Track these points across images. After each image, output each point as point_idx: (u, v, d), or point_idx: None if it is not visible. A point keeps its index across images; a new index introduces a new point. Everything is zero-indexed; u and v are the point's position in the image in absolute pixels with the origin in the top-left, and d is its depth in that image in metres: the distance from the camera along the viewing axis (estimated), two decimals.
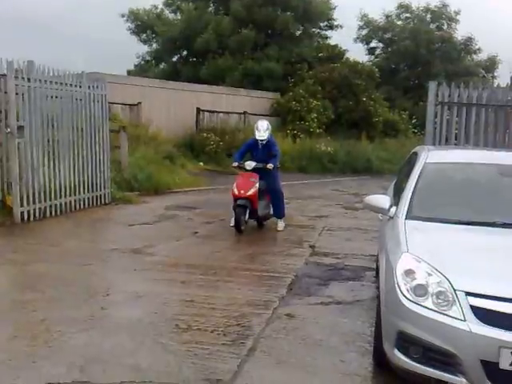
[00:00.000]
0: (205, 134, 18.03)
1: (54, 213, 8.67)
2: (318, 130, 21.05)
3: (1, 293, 5.14)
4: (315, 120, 21.22)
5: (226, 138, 18.22)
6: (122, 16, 27.54)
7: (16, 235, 7.50)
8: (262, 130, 8.05)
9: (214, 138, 17.90)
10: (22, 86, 8.12)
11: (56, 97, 8.95)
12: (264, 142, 8.07)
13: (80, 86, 9.46)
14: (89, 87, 9.71)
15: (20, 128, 8.01)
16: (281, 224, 8.37)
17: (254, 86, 22.94)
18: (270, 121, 23.68)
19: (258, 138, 8.03)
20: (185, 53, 27.25)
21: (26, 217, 8.12)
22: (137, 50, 29.74)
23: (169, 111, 18.57)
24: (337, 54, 24.87)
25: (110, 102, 15.13)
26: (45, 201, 8.47)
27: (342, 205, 11.25)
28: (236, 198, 7.83)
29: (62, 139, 8.95)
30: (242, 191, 7.76)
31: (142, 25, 27.70)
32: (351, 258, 6.77)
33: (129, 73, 28.60)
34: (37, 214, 8.35)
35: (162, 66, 28.01)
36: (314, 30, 27.18)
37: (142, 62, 29.01)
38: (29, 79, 8.28)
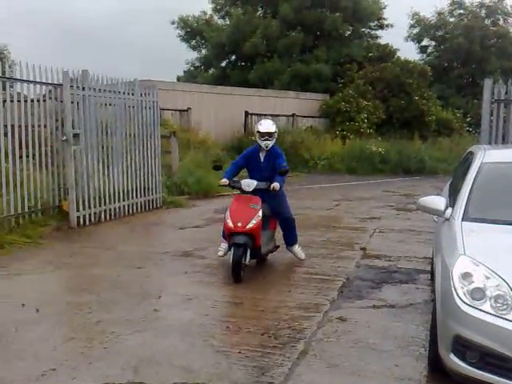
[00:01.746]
0: (253, 137, 18.04)
1: (108, 217, 8.90)
2: (368, 131, 20.78)
3: (58, 295, 5.32)
4: (365, 120, 20.97)
5: None
6: (172, 23, 28.11)
7: (72, 239, 7.73)
8: (266, 124, 6.14)
9: None
10: (77, 95, 8.39)
11: (109, 104, 9.20)
12: (269, 146, 6.09)
13: (132, 94, 9.69)
14: (141, 95, 9.93)
15: (75, 135, 8.26)
16: (300, 250, 6.57)
17: (303, 88, 22.91)
18: (318, 122, 23.51)
19: (262, 130, 6.02)
20: (233, 57, 27.52)
21: (81, 221, 8.37)
22: (186, 56, 30.26)
23: (217, 115, 18.78)
24: (387, 54, 24.52)
25: (160, 109, 15.51)
26: (99, 205, 8.71)
27: (394, 206, 11.04)
28: (231, 234, 5.70)
29: (115, 146, 9.19)
30: (240, 223, 5.62)
31: (191, 31, 28.16)
32: (404, 261, 6.63)
33: (178, 79, 29.16)
34: (92, 219, 8.59)
35: (211, 71, 28.36)
36: (363, 30, 26.91)
37: (192, 68, 29.50)
38: (83, 88, 8.54)
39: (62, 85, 8.23)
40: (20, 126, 7.62)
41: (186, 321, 4.58)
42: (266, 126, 6.11)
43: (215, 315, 4.76)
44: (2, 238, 6.77)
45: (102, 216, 8.80)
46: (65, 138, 8.15)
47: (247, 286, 5.60)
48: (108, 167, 9.00)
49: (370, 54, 24.31)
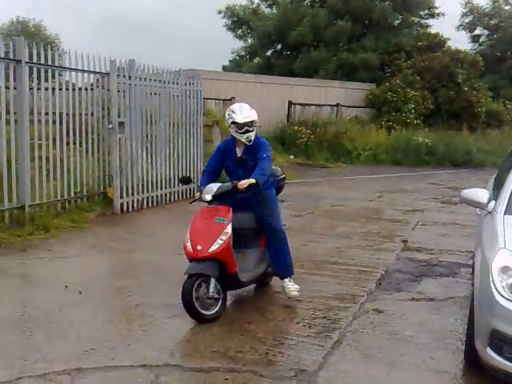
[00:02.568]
0: (296, 127, 18.03)
1: (150, 204, 9.07)
2: (415, 121, 20.37)
3: (100, 278, 5.48)
4: (412, 111, 20.56)
5: (318, 130, 18.14)
6: (219, 13, 28.19)
7: (115, 225, 7.93)
8: (244, 110, 4.63)
9: (305, 131, 17.87)
10: (123, 84, 8.56)
11: (154, 94, 9.35)
12: (252, 138, 4.65)
13: (177, 83, 9.81)
14: (185, 84, 10.05)
15: (121, 124, 8.45)
16: (291, 286, 4.83)
17: (349, 78, 22.62)
18: (363, 112, 23.06)
19: (240, 120, 4.56)
20: (279, 47, 27.39)
21: (125, 208, 8.56)
22: (232, 45, 30.32)
23: (261, 105, 18.65)
24: (437, 43, 23.87)
25: (204, 98, 15.65)
26: (142, 193, 8.89)
27: (439, 199, 10.81)
28: (191, 260, 4.39)
29: (158, 134, 9.35)
30: (200, 246, 4.28)
31: (238, 20, 28.18)
32: (446, 254, 6.51)
33: (224, 68, 29.30)
34: (135, 206, 8.77)
35: (256, 60, 28.34)
36: (413, 18, 26.30)
37: (237, 58, 29.55)
38: (130, 77, 8.71)
39: (109, 74, 8.41)
40: (68, 114, 7.84)
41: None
42: (245, 113, 4.62)
43: (252, 303, 4.82)
44: (48, 222, 7.01)
45: (145, 203, 8.97)
46: (111, 126, 8.34)
47: None
48: (151, 155, 9.16)
49: (420, 44, 23.71)
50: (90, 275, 5.48)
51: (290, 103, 19.14)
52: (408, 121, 20.17)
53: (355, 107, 21.07)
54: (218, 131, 12.19)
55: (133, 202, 8.72)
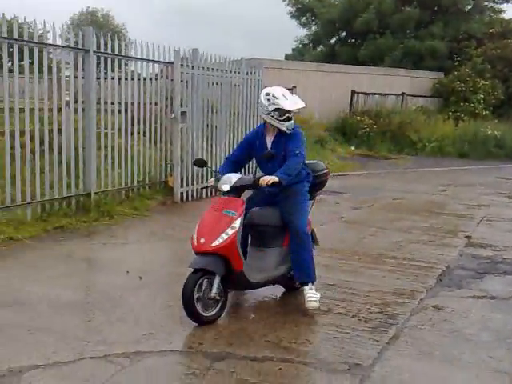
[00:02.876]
0: (358, 117, 17.74)
1: (209, 194, 9.19)
2: (484, 112, 19.58)
3: (160, 265, 5.62)
4: (481, 101, 19.77)
5: (381, 120, 17.76)
6: (283, 0, 28.03)
7: (175, 213, 8.09)
8: (286, 95, 4.33)
9: (367, 121, 17.55)
10: (186, 74, 8.68)
11: (216, 83, 9.44)
12: (292, 127, 4.34)
13: (238, 73, 9.87)
14: (246, 73, 10.10)
15: (183, 113, 8.59)
16: (311, 295, 4.36)
17: (415, 66, 22.01)
18: (430, 102, 22.47)
19: (287, 107, 4.25)
20: (343, 34, 26.99)
21: (184, 197, 8.70)
22: (296, 33, 30.17)
23: (323, 94, 18.58)
24: (511, 30, 22.78)
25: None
26: (202, 182, 9.02)
27: (506, 194, 10.38)
28: (196, 253, 4.13)
29: (219, 124, 9.44)
30: (203, 239, 4.01)
31: (302, 8, 27.92)
32: (511, 251, 6.25)
33: (287, 57, 29.19)
34: (194, 195, 8.91)
35: (320, 48, 28.05)
36: (486, 3, 25.18)
37: (300, 46, 29.34)
38: (193, 67, 8.82)
39: (172, 63, 8.55)
40: (133, 104, 8.05)
41: (280, 297, 4.67)
42: (293, 98, 4.38)
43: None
44: (112, 209, 7.25)
45: (204, 192, 9.11)
46: (173, 115, 8.50)
47: (339, 268, 5.58)
48: (211, 145, 9.27)
49: (492, 30, 22.71)
50: (151, 261, 5.63)
51: (353, 92, 18.83)
52: (476, 112, 19.45)
53: (421, 97, 20.49)
54: None
55: (192, 191, 8.86)
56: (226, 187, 4.18)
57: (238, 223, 4.06)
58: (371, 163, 15.29)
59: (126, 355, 3.44)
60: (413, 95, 20.08)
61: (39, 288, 4.60)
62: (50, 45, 6.75)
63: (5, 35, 6.09)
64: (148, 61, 8.23)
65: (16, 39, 6.19)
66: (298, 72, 18.29)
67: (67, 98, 7.08)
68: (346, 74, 19.45)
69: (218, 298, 4.00)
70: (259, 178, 4.17)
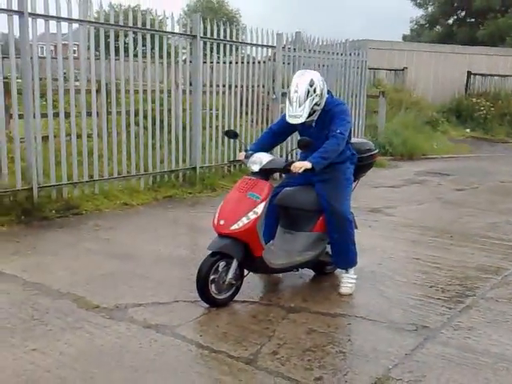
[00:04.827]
0: (474, 99, 17.02)
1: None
2: None
3: None
4: None
5: (499, 103, 16.93)
6: None
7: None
8: (296, 98, 3.94)
9: (484, 103, 16.80)
10: (288, 56, 9.04)
11: (320, 65, 9.67)
12: (311, 124, 4.10)
13: (342, 54, 10.04)
14: (350, 54, 10.23)
15: (284, 94, 8.94)
16: (348, 280, 4.28)
17: None
18: None
19: (288, 120, 4.03)
20: (462, 14, 25.81)
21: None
22: (412, 14, 29.28)
23: (436, 75, 18.05)
24: None
25: (375, 68, 15.60)
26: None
27: None
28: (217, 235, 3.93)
29: None
30: (223, 221, 3.83)
31: None
32: None
33: (404, 38, 28.45)
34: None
35: (437, 29, 27.02)
36: None
37: (416, 27, 28.46)
38: (295, 49, 9.15)
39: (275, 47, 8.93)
40: (242, 86, 8.53)
41: (359, 267, 4.88)
42: (293, 112, 3.96)
43: (388, 266, 4.97)
44: (215, 183, 7.85)
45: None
46: (274, 96, 8.90)
47: (427, 244, 5.68)
48: None
49: None
50: None
51: (469, 73, 18.09)
52: None
53: None
54: (383, 102, 12.14)
55: None
56: (255, 167, 3.95)
57: (260, 208, 3.84)
58: (485, 146, 14.71)
59: None
60: None
61: (146, 245, 5.25)
62: (162, 31, 7.39)
63: (130, 24, 6.84)
64: (252, 45, 8.67)
65: (140, 28, 6.95)
66: (411, 53, 17.92)
67: (179, 81, 7.73)
68: (462, 55, 18.69)
69: (233, 282, 3.87)
70: (291, 162, 3.92)
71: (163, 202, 7.05)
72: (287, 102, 4.02)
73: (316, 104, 3.98)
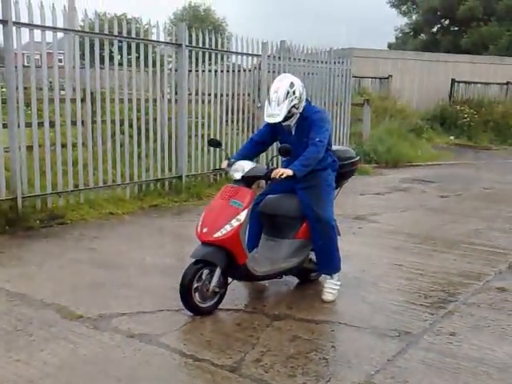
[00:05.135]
0: (458, 107, 17.23)
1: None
2: None
3: None
4: None
5: (483, 110, 17.15)
6: None
7: None
8: (275, 98, 4.00)
9: (468, 110, 17.02)
10: (273, 65, 9.12)
11: (304, 73, 9.75)
12: (289, 129, 4.19)
13: (326, 62, 10.13)
14: (335, 63, 10.33)
15: None
16: (331, 286, 4.32)
17: None
18: None
19: (265, 119, 4.09)
20: (446, 22, 26.17)
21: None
22: (397, 23, 29.66)
23: (421, 83, 18.26)
24: None
25: (359, 77, 15.75)
26: None
27: None
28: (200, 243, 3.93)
29: None
30: (206, 229, 3.84)
31: None
32: None
33: (389, 46, 28.78)
34: None
35: (421, 37, 27.36)
36: None
37: (400, 35, 28.81)
38: (280, 58, 9.23)
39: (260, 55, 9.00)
40: (227, 95, 8.58)
41: (343, 273, 4.90)
42: (271, 112, 4.01)
43: (371, 272, 5.02)
44: (201, 191, 7.86)
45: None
46: (259, 105, 8.95)
47: (410, 251, 5.73)
48: None
49: None
50: None
51: (453, 81, 18.32)
52: None
53: None
54: (368, 110, 12.26)
55: None
56: (237, 175, 3.97)
57: (243, 215, 3.85)
58: (469, 154, 14.88)
59: None
60: None
61: (131, 254, 5.25)
62: (147, 40, 7.41)
63: (116, 33, 6.88)
64: (237, 53, 8.73)
65: (125, 36, 6.97)
66: (395, 61, 18.12)
67: (165, 90, 7.76)
68: (446, 63, 18.94)
69: (217, 290, 3.86)
70: (272, 169, 3.95)
71: (149, 210, 7.06)
72: (266, 103, 4.08)
73: (294, 106, 4.05)
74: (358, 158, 4.84)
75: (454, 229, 6.71)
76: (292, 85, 4.04)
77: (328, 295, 4.27)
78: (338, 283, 4.34)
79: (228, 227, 3.79)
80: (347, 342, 3.61)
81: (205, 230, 3.82)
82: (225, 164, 4.21)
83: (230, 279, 4.04)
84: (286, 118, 4.06)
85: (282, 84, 4.05)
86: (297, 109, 4.08)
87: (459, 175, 11.11)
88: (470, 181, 10.39)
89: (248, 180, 3.99)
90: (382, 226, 6.71)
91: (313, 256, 4.41)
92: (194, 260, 3.83)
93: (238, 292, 4.35)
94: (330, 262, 4.30)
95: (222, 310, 3.99)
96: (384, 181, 10.16)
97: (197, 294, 3.81)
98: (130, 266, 4.91)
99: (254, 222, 4.16)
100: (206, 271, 3.83)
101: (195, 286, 3.79)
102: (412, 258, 5.45)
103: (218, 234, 3.79)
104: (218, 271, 3.83)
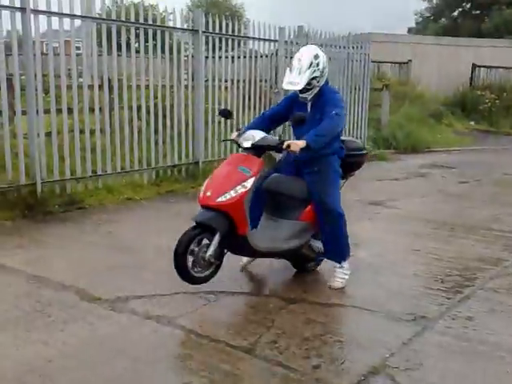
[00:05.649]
0: (479, 92, 16.96)
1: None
2: None
3: None
4: None
5: (504, 95, 16.83)
6: None
7: None
8: (298, 66, 3.90)
9: (489, 95, 16.73)
10: (290, 50, 9.05)
11: None
12: (305, 101, 4.03)
13: (344, 48, 10.04)
14: (353, 48, 10.23)
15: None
16: (340, 275, 4.23)
17: None
18: None
19: (284, 86, 3.98)
20: (468, 6, 25.67)
21: None
22: (418, 7, 29.22)
23: (441, 68, 17.98)
24: None
25: (379, 62, 15.57)
26: None
27: None
28: (201, 207, 3.80)
29: None
30: (210, 193, 3.70)
31: None
32: None
33: (409, 31, 28.37)
34: None
35: (442, 21, 26.91)
36: None
37: (421, 19, 28.38)
38: (297, 43, 9.15)
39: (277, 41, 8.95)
40: (244, 81, 8.55)
41: (357, 258, 4.91)
42: (291, 79, 3.90)
43: (387, 257, 5.01)
44: None
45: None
46: (276, 90, 8.92)
47: (428, 236, 5.70)
48: None
49: None
50: None
51: (474, 66, 18.00)
52: None
53: None
54: (387, 95, 12.13)
55: None
56: (247, 143, 3.86)
57: (250, 182, 3.71)
58: (490, 139, 14.67)
59: (213, 293, 3.97)
60: None
61: (148, 238, 5.30)
62: (164, 26, 7.43)
63: (132, 20, 6.90)
64: (254, 39, 8.69)
65: (142, 23, 6.99)
66: (415, 46, 17.87)
67: (182, 76, 7.76)
68: (467, 47, 18.62)
69: (212, 260, 3.71)
70: (284, 141, 3.81)
71: (166, 196, 7.11)
72: (287, 70, 3.96)
73: (315, 79, 3.93)
74: (365, 151, 4.69)
75: (473, 214, 6.65)
76: (317, 56, 3.93)
77: (336, 283, 4.20)
78: (348, 272, 4.24)
79: (233, 193, 3.65)
80: (362, 326, 3.61)
81: (208, 194, 3.68)
82: (235, 134, 4.09)
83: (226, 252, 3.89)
84: (305, 90, 3.94)
85: (307, 53, 3.94)
86: (317, 82, 3.95)
87: (479, 161, 10.98)
88: (489, 166, 10.27)
89: (258, 150, 3.86)
90: (400, 212, 6.67)
91: (313, 243, 4.30)
92: (192, 225, 3.68)
93: (251, 276, 4.39)
94: (337, 249, 4.20)
95: (236, 294, 4.02)
96: (402, 166, 10.08)
97: (191, 260, 3.68)
98: (147, 250, 4.96)
99: (257, 201, 3.94)
100: (204, 239, 3.70)
101: (191, 248, 3.66)
102: (429, 244, 5.42)
103: (221, 199, 3.63)
104: (216, 238, 3.66)
